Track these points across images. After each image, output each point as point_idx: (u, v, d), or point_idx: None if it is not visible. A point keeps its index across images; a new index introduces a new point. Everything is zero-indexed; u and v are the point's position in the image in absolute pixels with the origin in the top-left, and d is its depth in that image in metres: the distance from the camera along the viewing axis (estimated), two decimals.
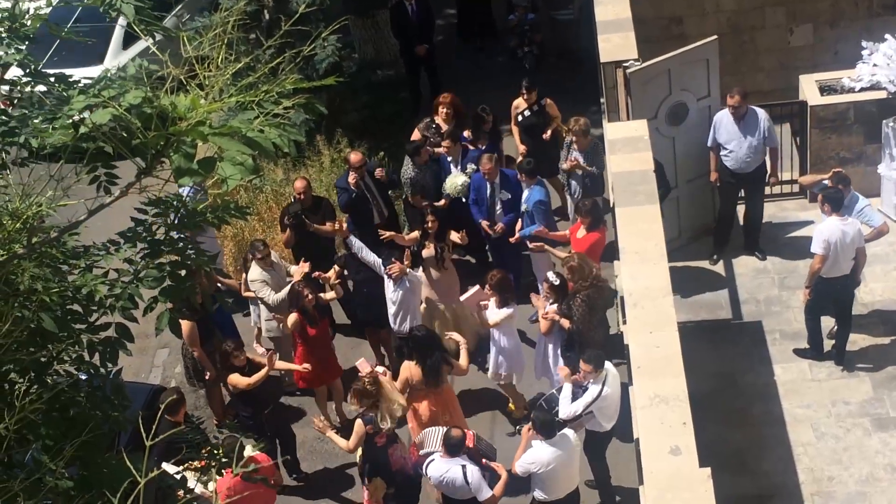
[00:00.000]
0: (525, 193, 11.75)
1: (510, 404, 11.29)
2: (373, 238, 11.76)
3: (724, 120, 11.90)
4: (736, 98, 11.70)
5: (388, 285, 11.15)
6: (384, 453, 9.72)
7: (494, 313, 10.56)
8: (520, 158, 12.67)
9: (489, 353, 10.98)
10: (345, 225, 11.70)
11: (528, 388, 11.30)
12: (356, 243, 11.36)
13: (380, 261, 11.18)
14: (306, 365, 10.87)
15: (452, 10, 17.46)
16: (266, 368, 10.26)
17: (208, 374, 11.18)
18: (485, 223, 12.04)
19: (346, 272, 11.49)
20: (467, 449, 9.27)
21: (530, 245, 11.50)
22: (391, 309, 11.25)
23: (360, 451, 9.92)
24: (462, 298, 10.56)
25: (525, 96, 12.89)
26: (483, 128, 12.73)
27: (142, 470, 4.13)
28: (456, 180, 12.17)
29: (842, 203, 10.48)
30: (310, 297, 10.71)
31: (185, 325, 10.79)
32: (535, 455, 9.13)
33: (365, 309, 11.71)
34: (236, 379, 10.32)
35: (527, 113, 12.95)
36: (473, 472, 9.12)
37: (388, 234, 11.69)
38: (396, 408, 9.71)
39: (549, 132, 12.66)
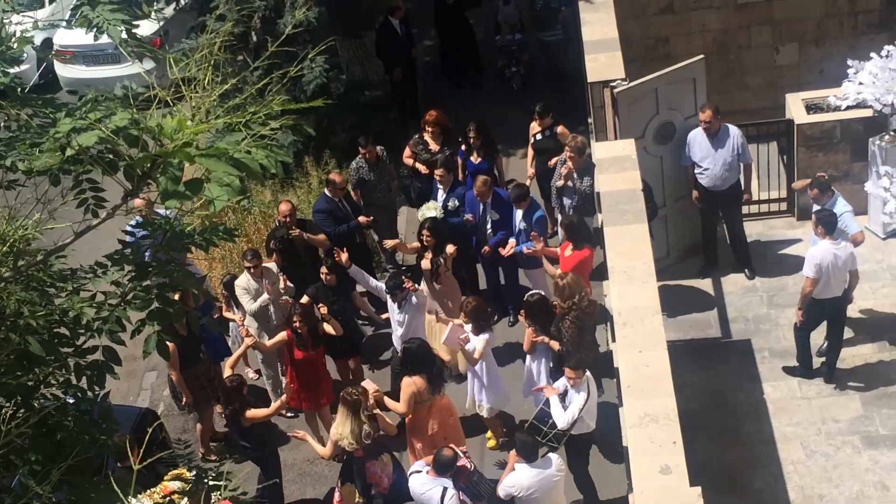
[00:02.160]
0: (519, 213, 11.73)
1: (489, 439, 11.17)
2: (356, 261, 11.75)
3: (697, 137, 11.93)
4: (708, 113, 11.72)
5: (393, 308, 11.05)
6: (361, 464, 9.70)
7: (475, 345, 10.49)
8: (528, 182, 12.72)
9: (467, 382, 10.92)
10: (344, 255, 11.56)
11: (519, 408, 11.27)
12: (358, 273, 11.34)
13: (381, 285, 11.15)
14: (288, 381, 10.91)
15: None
16: (280, 402, 10.22)
17: (185, 399, 11.08)
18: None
19: (316, 302, 11.31)
20: (458, 470, 9.19)
21: (525, 250, 11.43)
22: (397, 331, 11.14)
23: None
24: (442, 341, 10.51)
25: (538, 121, 12.88)
26: (472, 144, 12.73)
27: (129, 494, 4.10)
28: (426, 211, 12.02)
29: (835, 226, 10.49)
30: (298, 323, 10.68)
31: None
32: (515, 478, 9.09)
33: (350, 333, 11.61)
34: (253, 413, 10.11)
35: (539, 136, 12.94)
36: (452, 497, 9.03)
37: (392, 242, 11.68)
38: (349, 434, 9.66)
39: (554, 160, 12.51)
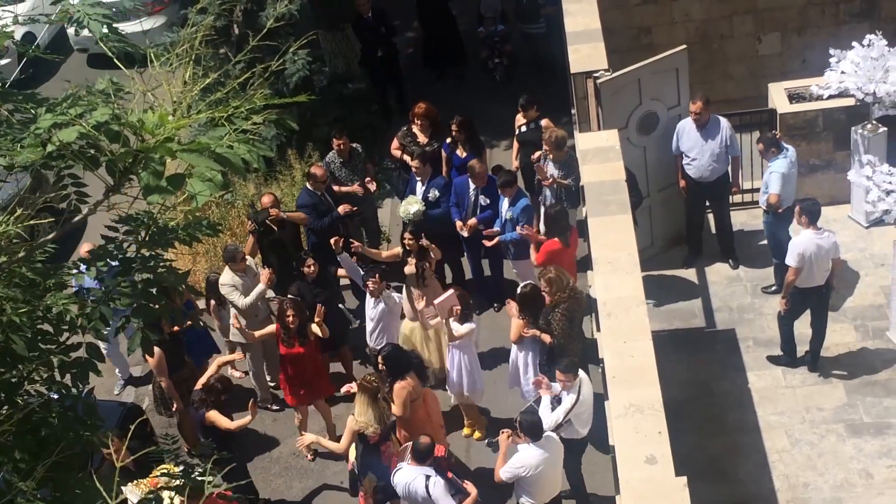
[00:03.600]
0: (505, 202, 11.74)
1: (465, 427, 11.24)
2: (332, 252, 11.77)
3: (686, 128, 11.96)
4: (698, 104, 11.76)
5: (369, 301, 11.12)
6: (377, 450, 9.69)
7: (457, 327, 10.53)
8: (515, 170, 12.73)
9: (447, 372, 10.96)
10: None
11: (503, 398, 11.29)
12: (347, 261, 11.34)
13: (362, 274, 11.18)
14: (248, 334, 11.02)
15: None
16: (249, 417, 10.08)
17: (175, 405, 11.04)
18: (458, 222, 12.03)
19: (301, 298, 11.28)
20: (436, 459, 9.22)
21: (519, 231, 11.37)
22: (369, 325, 11.22)
23: (353, 454, 9.87)
24: (436, 302, 10.50)
25: (522, 113, 12.86)
26: (455, 138, 12.71)
27: (113, 490, 4.09)
28: (409, 207, 12.02)
29: (818, 216, 10.53)
30: (291, 318, 10.62)
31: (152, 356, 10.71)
32: (522, 458, 9.09)
33: (336, 330, 11.53)
34: (215, 417, 10.07)
35: (524, 129, 12.92)
36: (437, 482, 9.05)
37: (356, 244, 11.59)
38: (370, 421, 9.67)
39: (536, 154, 12.48)
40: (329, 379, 11.39)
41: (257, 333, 11.11)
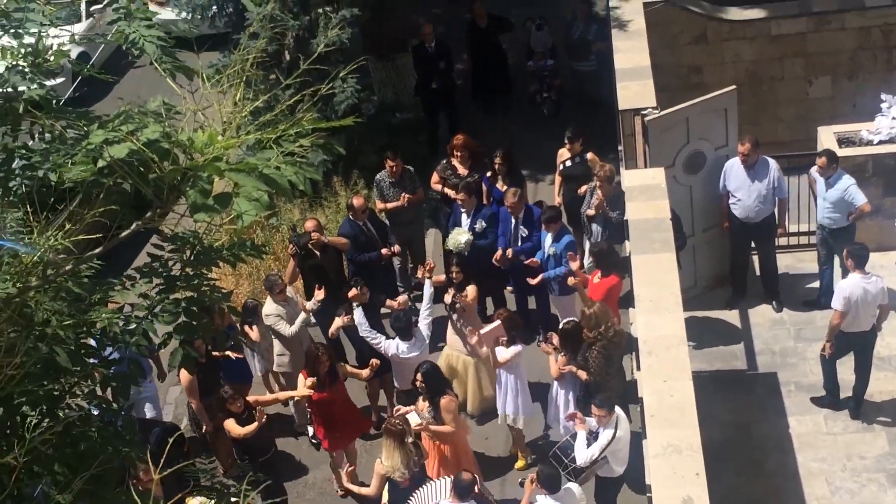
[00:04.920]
0: (548, 238, 11.72)
1: (519, 460, 11.17)
2: (380, 282, 11.84)
3: (734, 167, 11.91)
4: (747, 146, 11.71)
5: (402, 346, 10.86)
6: (409, 494, 9.63)
7: (502, 352, 10.53)
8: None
9: (496, 396, 10.95)
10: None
11: (539, 433, 11.23)
12: (360, 320, 11.07)
13: (377, 339, 10.93)
14: (308, 389, 10.61)
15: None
16: (256, 424, 10.12)
17: (205, 427, 11.03)
18: (498, 252, 11.98)
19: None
20: (476, 495, 9.18)
21: (569, 282, 11.32)
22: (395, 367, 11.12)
23: (385, 496, 9.82)
24: (483, 332, 10.51)
25: (568, 146, 12.82)
26: (498, 170, 12.72)
27: None
28: (459, 238, 12.03)
29: (866, 260, 10.43)
30: (326, 362, 10.50)
31: (184, 377, 10.77)
32: None
33: (370, 357, 11.46)
34: (230, 426, 10.24)
35: (568, 163, 12.86)
36: None
37: (424, 271, 11.34)
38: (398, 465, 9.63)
39: (583, 188, 12.43)
40: (360, 414, 11.32)
41: (297, 396, 10.79)
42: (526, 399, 10.82)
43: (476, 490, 9.23)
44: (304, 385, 10.51)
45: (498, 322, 10.52)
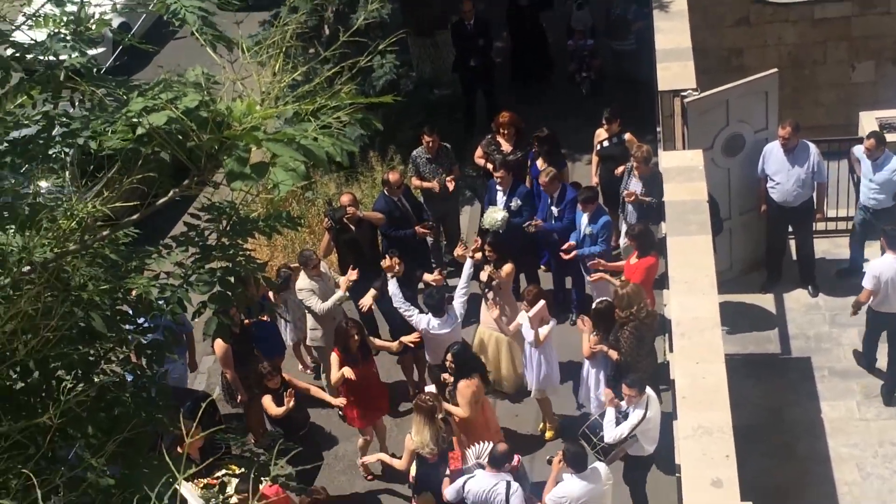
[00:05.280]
0: (584, 218, 11.70)
1: (541, 424, 11.26)
2: (414, 257, 11.84)
3: (773, 151, 11.82)
4: (787, 130, 11.62)
5: (434, 322, 10.88)
6: (435, 470, 9.68)
7: (542, 330, 10.58)
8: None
9: (525, 370, 11.00)
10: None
11: (569, 409, 11.25)
12: (395, 290, 11.04)
13: (409, 311, 10.93)
14: (341, 400, 10.69)
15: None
16: (288, 405, 10.10)
17: (240, 397, 11.11)
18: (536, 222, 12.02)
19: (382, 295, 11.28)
20: (511, 468, 9.21)
21: (590, 278, 11.44)
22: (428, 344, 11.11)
23: (413, 470, 9.88)
24: (530, 314, 10.55)
25: (606, 126, 12.77)
26: (538, 150, 12.70)
27: (181, 471, 4.16)
28: (495, 215, 12.04)
29: None
30: (356, 337, 10.49)
31: (219, 347, 10.81)
32: (566, 489, 9.01)
33: (402, 332, 11.39)
34: (267, 403, 10.28)
35: (606, 143, 12.83)
36: (518, 491, 9.01)
37: (462, 251, 11.45)
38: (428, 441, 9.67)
39: (621, 169, 12.36)
40: (388, 398, 11.35)
41: (333, 380, 10.66)
42: (554, 371, 10.88)
43: (516, 462, 9.27)
44: (336, 376, 10.50)
45: (542, 303, 10.56)
